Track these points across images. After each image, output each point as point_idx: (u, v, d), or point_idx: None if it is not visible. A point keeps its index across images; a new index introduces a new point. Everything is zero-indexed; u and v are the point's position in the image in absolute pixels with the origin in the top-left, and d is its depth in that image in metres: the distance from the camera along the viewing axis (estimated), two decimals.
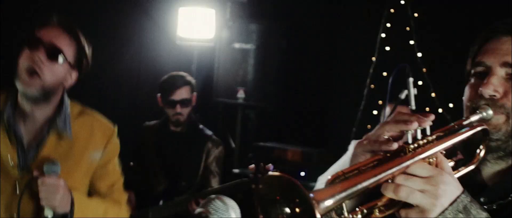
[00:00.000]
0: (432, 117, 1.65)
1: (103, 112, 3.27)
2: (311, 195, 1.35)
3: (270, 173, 1.42)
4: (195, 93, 5.14)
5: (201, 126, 5.27)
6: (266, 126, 7.34)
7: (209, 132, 5.27)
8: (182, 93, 5.03)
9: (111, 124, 3.28)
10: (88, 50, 3.09)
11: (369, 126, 6.14)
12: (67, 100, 3.07)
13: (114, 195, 3.30)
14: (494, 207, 1.64)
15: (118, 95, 6.51)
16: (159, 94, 5.09)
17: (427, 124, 1.64)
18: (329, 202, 1.39)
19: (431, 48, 6.39)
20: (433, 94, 6.36)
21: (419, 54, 6.40)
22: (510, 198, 1.77)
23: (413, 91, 4.32)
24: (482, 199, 1.73)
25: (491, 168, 1.86)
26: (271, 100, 6.82)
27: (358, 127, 6.48)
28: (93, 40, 3.13)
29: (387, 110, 4.54)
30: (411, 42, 6.48)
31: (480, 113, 1.78)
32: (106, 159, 3.22)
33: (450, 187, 1.56)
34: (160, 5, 6.79)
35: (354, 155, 1.70)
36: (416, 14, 6.50)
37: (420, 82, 6.08)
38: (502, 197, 1.77)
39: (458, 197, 1.56)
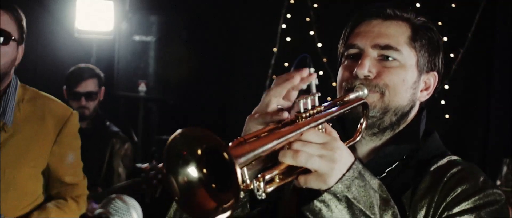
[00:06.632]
0: (314, 75, 1.74)
1: None
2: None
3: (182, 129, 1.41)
4: (103, 88, 5.02)
5: (108, 123, 5.14)
6: (168, 118, 7.28)
7: (115, 129, 5.16)
8: (87, 86, 4.89)
9: (67, 107, 3.08)
10: (24, 22, 2.97)
11: None
12: (14, 83, 2.89)
13: (74, 193, 3.10)
14: None
15: None
16: (64, 87, 4.95)
17: (311, 79, 1.72)
18: (244, 159, 1.41)
19: (331, 38, 6.47)
20: (334, 84, 6.45)
21: (319, 45, 6.48)
22: (385, 174, 1.88)
23: (315, 81, 4.37)
24: None
25: (366, 146, 1.96)
26: (173, 93, 6.78)
27: None
28: None
29: None
30: (311, 32, 6.55)
31: (356, 91, 1.87)
32: (62, 147, 2.99)
33: (345, 153, 1.63)
34: None
35: (247, 129, 1.73)
36: (315, 5, 6.57)
37: (321, 72, 6.16)
38: (378, 173, 1.85)
39: (353, 163, 1.63)
